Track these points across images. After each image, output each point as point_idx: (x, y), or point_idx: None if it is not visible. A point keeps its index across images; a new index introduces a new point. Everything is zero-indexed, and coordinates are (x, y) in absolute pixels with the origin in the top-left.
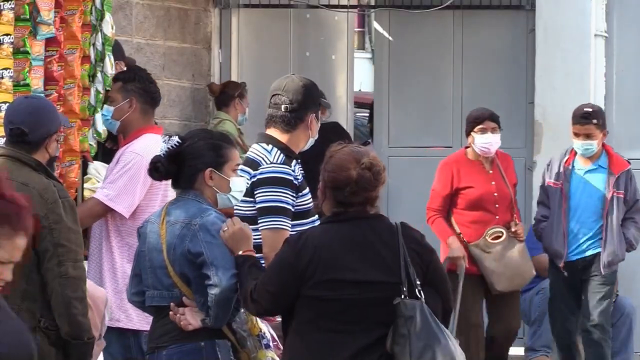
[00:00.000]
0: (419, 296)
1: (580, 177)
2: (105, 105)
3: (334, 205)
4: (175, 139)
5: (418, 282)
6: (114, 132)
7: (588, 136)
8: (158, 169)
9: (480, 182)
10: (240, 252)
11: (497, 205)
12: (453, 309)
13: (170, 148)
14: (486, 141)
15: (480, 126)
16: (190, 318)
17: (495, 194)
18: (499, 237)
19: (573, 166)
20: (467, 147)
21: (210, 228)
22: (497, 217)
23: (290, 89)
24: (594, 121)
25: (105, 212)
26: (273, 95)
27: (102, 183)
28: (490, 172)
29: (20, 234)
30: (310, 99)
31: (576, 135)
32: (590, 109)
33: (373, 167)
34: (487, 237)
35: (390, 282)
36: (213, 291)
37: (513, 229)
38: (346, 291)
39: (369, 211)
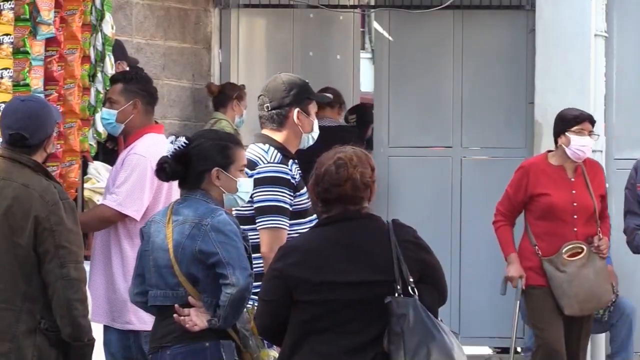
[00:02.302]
0: (412, 293)
1: None
2: (105, 109)
3: (316, 203)
4: (182, 139)
5: (411, 280)
6: (117, 135)
7: None
8: (165, 169)
9: (558, 190)
10: None
11: (575, 217)
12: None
13: (177, 149)
14: (583, 144)
15: (579, 127)
16: (195, 319)
17: (575, 204)
18: (578, 253)
19: None
20: (549, 151)
21: (223, 228)
22: (576, 229)
23: (271, 88)
24: None
25: (117, 217)
26: (258, 97)
27: (106, 187)
28: (573, 179)
29: None
30: (290, 95)
31: None
32: None
33: (338, 161)
34: (563, 253)
35: (381, 280)
36: (229, 290)
37: (596, 244)
38: (338, 293)
39: (360, 211)
